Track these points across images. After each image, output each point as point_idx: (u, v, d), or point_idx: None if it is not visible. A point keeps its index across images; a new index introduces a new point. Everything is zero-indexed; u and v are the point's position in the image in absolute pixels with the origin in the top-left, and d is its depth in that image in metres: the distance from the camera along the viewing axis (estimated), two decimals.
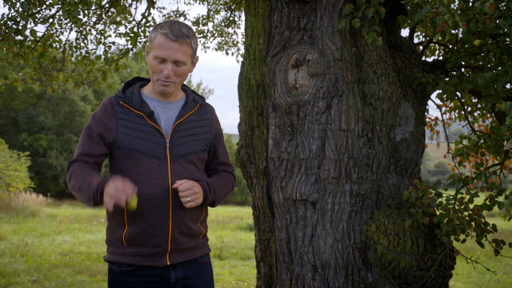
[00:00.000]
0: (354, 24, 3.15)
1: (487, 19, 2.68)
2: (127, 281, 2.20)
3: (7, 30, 3.89)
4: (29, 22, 4.25)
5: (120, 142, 2.17)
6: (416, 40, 5.35)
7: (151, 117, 2.21)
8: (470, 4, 2.77)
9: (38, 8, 4.47)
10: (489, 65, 3.64)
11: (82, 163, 2.17)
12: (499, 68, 3.07)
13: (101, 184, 2.04)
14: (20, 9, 3.71)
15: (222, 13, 8.16)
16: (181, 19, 8.19)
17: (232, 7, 7.77)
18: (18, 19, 3.91)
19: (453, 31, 2.64)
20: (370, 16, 3.05)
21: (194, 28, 8.14)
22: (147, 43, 2.24)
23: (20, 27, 3.89)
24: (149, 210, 2.17)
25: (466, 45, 3.65)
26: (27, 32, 4.17)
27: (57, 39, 5.20)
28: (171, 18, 8.00)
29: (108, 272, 2.26)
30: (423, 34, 5.25)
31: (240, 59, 8.44)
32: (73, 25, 5.47)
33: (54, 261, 7.83)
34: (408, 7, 3.06)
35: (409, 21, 3.51)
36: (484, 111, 4.43)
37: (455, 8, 2.79)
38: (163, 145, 2.20)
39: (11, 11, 3.85)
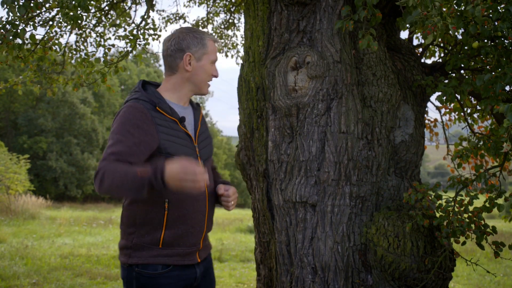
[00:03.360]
0: (348, 26, 3.15)
1: (485, 21, 2.69)
2: (160, 284, 2.21)
3: (5, 34, 3.89)
4: (28, 25, 4.25)
5: (164, 148, 2.19)
6: (415, 42, 5.36)
7: (182, 122, 2.29)
8: (463, 8, 2.77)
9: (38, 11, 4.47)
10: (488, 67, 3.65)
11: (116, 162, 2.09)
12: (499, 70, 3.08)
13: (157, 170, 2.00)
14: (18, 14, 3.71)
15: (222, 15, 8.19)
16: (181, 21, 8.21)
17: (232, 9, 7.78)
18: (17, 23, 3.91)
19: (451, 33, 2.64)
20: (362, 17, 3.06)
21: None
22: (190, 50, 2.31)
23: (19, 31, 3.89)
24: (193, 212, 2.25)
25: (465, 47, 3.66)
26: (27, 35, 4.17)
27: (56, 42, 5.21)
28: (171, 20, 8.02)
29: (135, 278, 2.22)
30: (422, 34, 5.25)
31: (240, 61, 8.45)
32: (72, 28, 5.47)
33: (53, 263, 7.83)
34: (402, 9, 3.05)
35: (404, 24, 3.52)
36: (484, 113, 4.43)
37: (446, 11, 2.80)
38: (194, 149, 2.32)
39: (10, 15, 3.85)
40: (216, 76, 2.41)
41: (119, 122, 2.17)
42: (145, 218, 2.22)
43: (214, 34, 8.25)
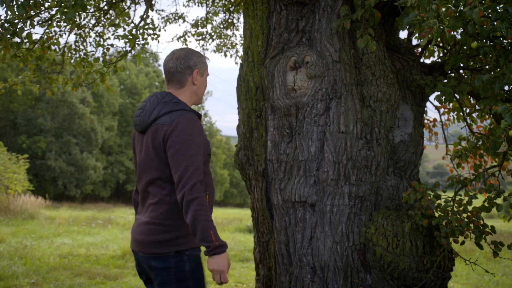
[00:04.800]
0: (345, 24, 3.15)
1: (484, 21, 2.69)
2: (201, 262, 2.67)
3: (4, 32, 3.88)
4: (27, 24, 4.25)
5: (207, 150, 2.68)
6: (414, 42, 5.36)
7: None
8: (460, 8, 2.77)
9: (37, 11, 4.46)
10: (487, 67, 3.65)
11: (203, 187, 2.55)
12: (497, 70, 3.08)
13: (223, 247, 2.49)
14: (17, 13, 3.71)
15: (221, 15, 8.18)
16: (180, 21, 8.20)
17: (231, 9, 7.78)
18: (15, 21, 3.90)
19: (447, 36, 2.64)
20: (361, 17, 3.06)
21: (193, 30, 8.16)
22: (197, 67, 2.72)
23: (17, 29, 3.89)
24: (213, 202, 2.77)
25: (464, 47, 3.66)
26: (24, 34, 4.16)
27: (55, 41, 5.20)
28: (170, 20, 8.01)
29: (187, 261, 2.57)
30: (418, 35, 5.25)
31: (239, 61, 8.44)
32: (71, 28, 5.47)
33: (52, 263, 7.82)
34: (401, 10, 3.05)
35: (401, 24, 3.52)
36: (483, 113, 4.43)
37: (443, 12, 2.80)
38: None
39: (9, 14, 3.84)
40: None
41: (188, 133, 2.54)
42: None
43: (214, 34, 8.26)
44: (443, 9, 3.05)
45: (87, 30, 6.05)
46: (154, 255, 2.57)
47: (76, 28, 5.81)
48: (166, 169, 2.57)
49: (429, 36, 2.57)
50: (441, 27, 2.59)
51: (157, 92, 2.73)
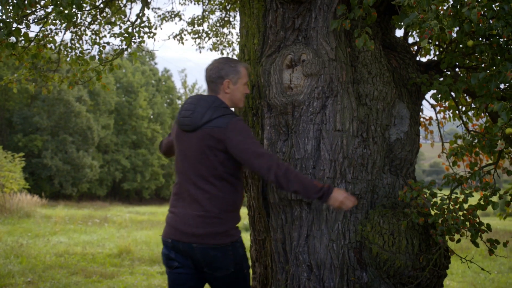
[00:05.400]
0: (344, 25, 3.16)
1: (480, 19, 2.69)
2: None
3: None
4: (22, 23, 4.22)
5: None
6: (410, 40, 5.36)
7: None
8: (458, 8, 2.77)
9: (33, 9, 4.44)
10: (483, 65, 3.66)
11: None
12: (493, 68, 3.08)
13: (330, 188, 2.93)
14: (12, 12, 3.69)
15: (217, 13, 8.16)
16: (176, 19, 8.18)
17: (227, 7, 7.77)
18: (10, 21, 3.88)
19: (447, 35, 2.64)
20: (357, 16, 3.06)
21: (189, 28, 8.14)
22: (229, 77, 3.07)
23: (13, 29, 3.87)
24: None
25: (460, 46, 3.67)
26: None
27: (51, 39, 5.18)
28: (166, 18, 8.00)
29: (238, 249, 3.06)
30: (418, 36, 5.26)
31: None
32: (66, 26, 5.44)
33: (49, 262, 7.81)
34: (398, 9, 3.05)
35: (400, 24, 3.53)
36: (478, 111, 4.44)
37: (442, 12, 2.80)
38: None
39: (3, 14, 3.82)
40: (247, 93, 3.19)
41: (244, 130, 2.94)
42: (239, 203, 3.10)
43: (210, 32, 8.24)
44: (441, 8, 3.05)
45: (83, 28, 6.03)
46: (213, 246, 2.96)
47: (72, 26, 5.79)
48: (219, 167, 2.94)
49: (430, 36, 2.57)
50: (442, 27, 2.59)
51: (203, 95, 3.09)
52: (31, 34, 4.78)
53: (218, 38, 8.36)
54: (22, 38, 4.15)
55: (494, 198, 3.29)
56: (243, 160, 2.90)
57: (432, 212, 3.28)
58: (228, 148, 2.90)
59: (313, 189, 2.88)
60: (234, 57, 8.41)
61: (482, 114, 4.59)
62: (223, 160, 2.94)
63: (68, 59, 5.87)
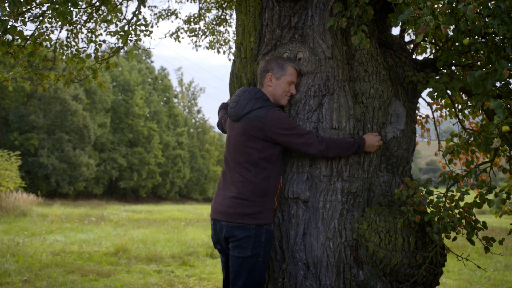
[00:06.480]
0: (340, 23, 3.16)
1: (476, 18, 2.69)
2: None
3: None
4: (18, 21, 4.21)
5: None
6: (407, 38, 5.36)
7: None
8: (454, 5, 2.77)
9: (29, 7, 4.43)
10: (478, 64, 3.66)
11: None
12: (489, 66, 3.09)
13: (361, 138, 3.33)
14: (8, 10, 3.67)
15: (214, 11, 8.15)
16: (173, 17, 8.17)
17: (224, 5, 7.76)
18: (6, 18, 3.86)
19: (442, 32, 2.64)
20: (355, 15, 3.06)
21: (185, 26, 8.13)
22: (273, 71, 3.29)
23: (8, 27, 3.85)
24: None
25: (456, 44, 3.67)
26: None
27: (47, 37, 5.16)
28: (162, 16, 7.98)
29: (263, 234, 3.18)
30: (414, 32, 5.25)
31: (232, 57, 8.44)
32: (62, 24, 5.42)
33: (45, 260, 7.80)
34: (394, 7, 3.05)
35: (396, 21, 3.53)
36: (475, 109, 4.45)
37: (438, 10, 2.80)
38: None
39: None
40: (292, 93, 3.34)
41: (285, 120, 3.18)
42: (272, 189, 3.22)
43: (206, 30, 8.23)
44: (436, 6, 3.05)
45: (79, 26, 6.02)
46: (239, 225, 3.15)
47: (67, 24, 5.77)
48: (256, 154, 3.16)
49: (425, 32, 2.57)
50: (437, 22, 2.59)
51: (248, 87, 3.34)
52: (27, 33, 4.75)
53: (214, 36, 8.35)
54: (18, 36, 4.13)
55: (490, 196, 3.30)
56: (286, 143, 3.17)
57: (428, 210, 3.29)
58: (269, 136, 3.15)
59: (350, 147, 3.25)
60: (231, 56, 8.41)
61: (478, 112, 4.60)
62: (261, 148, 3.17)
63: (64, 57, 5.85)
